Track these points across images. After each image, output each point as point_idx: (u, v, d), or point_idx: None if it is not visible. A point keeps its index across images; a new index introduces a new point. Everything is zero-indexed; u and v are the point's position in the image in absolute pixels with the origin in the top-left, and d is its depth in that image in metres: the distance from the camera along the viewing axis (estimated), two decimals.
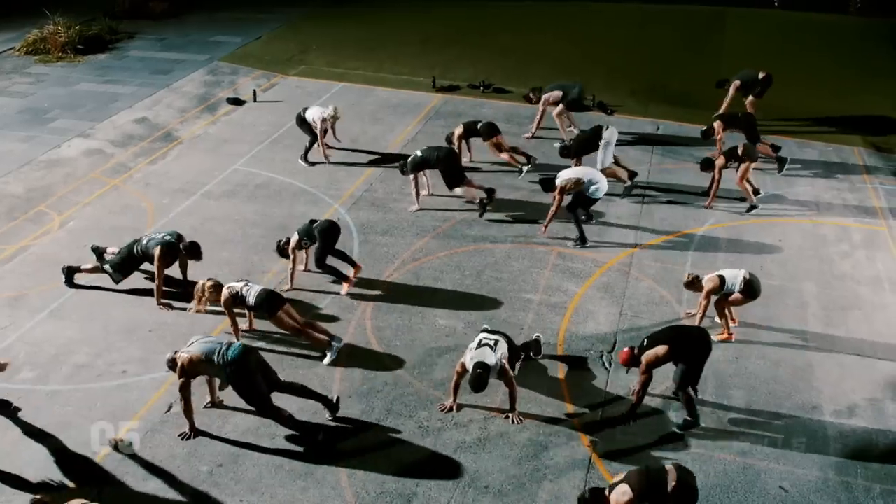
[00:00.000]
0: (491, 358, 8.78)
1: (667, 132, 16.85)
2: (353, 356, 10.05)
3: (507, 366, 8.89)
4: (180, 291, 11.06)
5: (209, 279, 10.00)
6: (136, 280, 11.31)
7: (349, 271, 11.45)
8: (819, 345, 10.29)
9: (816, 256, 12.28)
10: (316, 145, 14.86)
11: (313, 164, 14.94)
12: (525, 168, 14.68)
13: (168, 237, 10.90)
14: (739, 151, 13.26)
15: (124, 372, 9.66)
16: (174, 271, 11.12)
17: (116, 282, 11.06)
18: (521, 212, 13.53)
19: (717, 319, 10.33)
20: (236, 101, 17.85)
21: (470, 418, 9.08)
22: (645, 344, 8.86)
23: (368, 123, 16.87)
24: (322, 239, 11.17)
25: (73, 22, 21.27)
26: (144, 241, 10.94)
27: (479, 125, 14.53)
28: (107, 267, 11.04)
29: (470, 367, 8.76)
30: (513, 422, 9.00)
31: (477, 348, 8.93)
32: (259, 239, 12.51)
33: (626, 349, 8.92)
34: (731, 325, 10.36)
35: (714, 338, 9.65)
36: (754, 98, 16.29)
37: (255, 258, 12.09)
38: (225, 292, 9.80)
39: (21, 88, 18.36)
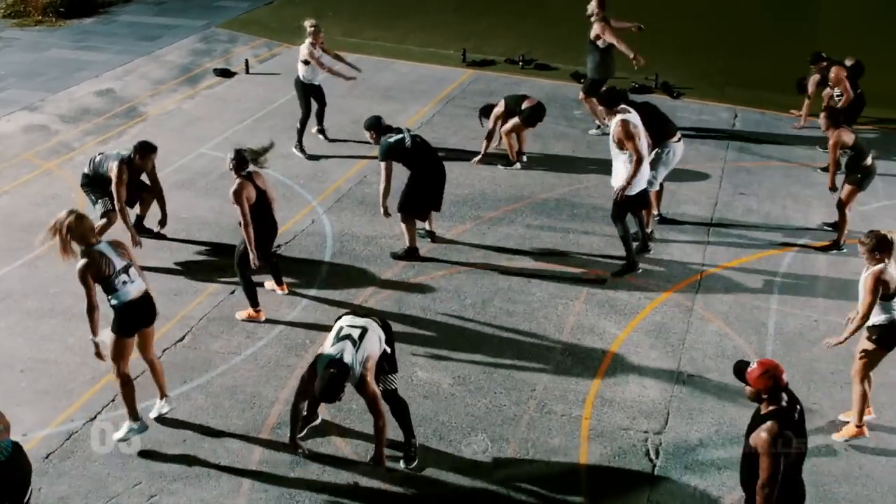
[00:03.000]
0: (349, 355, 5.95)
1: (745, 123, 13.45)
2: (281, 428, 7.03)
3: (369, 376, 5.98)
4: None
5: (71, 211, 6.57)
6: (29, 303, 8.50)
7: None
8: None
9: None
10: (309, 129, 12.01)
11: (313, 157, 11.98)
12: (516, 166, 11.76)
13: (124, 153, 9.17)
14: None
15: None
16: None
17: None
18: (551, 220, 10.35)
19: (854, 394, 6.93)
20: (225, 73, 15.00)
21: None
22: None
23: (378, 102, 13.81)
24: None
25: None
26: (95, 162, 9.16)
27: (523, 106, 11.43)
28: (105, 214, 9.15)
29: (319, 367, 5.96)
30: (374, 465, 6.33)
31: (336, 341, 6.09)
32: (201, 249, 9.60)
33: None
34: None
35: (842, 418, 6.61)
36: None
37: (191, 271, 9.17)
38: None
39: None
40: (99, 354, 6.64)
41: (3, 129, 12.50)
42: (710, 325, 8.38)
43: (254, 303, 8.30)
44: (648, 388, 7.51)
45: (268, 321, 8.33)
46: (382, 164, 9.09)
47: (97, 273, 6.39)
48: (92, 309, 6.45)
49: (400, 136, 9.12)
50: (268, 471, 6.54)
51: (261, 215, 8.07)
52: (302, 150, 11.91)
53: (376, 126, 9.25)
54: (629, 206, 9.24)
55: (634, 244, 9.39)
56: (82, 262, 6.40)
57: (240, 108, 13.53)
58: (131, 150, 9.09)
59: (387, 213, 9.30)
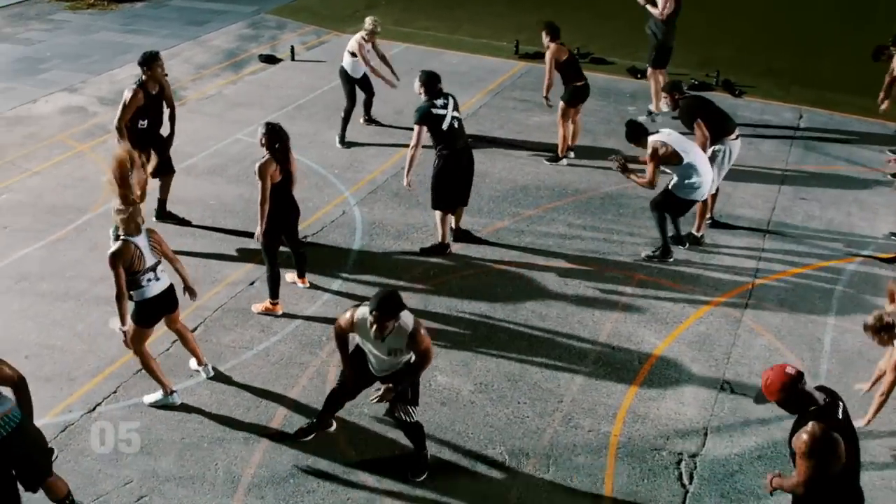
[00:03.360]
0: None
1: (811, 124, 12.62)
2: (286, 431, 6.59)
3: (422, 329, 5.62)
4: None
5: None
6: (34, 290, 8.24)
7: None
8: None
9: None
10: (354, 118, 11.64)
11: (352, 144, 11.55)
12: (562, 162, 11.14)
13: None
14: None
15: None
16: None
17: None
18: (595, 220, 9.75)
19: None
20: (270, 59, 14.68)
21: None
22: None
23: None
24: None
25: None
26: None
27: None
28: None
29: (362, 315, 5.58)
30: (383, 398, 5.82)
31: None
32: (225, 237, 9.21)
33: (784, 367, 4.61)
34: None
35: None
36: None
37: (211, 260, 8.80)
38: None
39: (32, 35, 15.69)
40: (127, 343, 6.45)
41: (42, 110, 12.33)
42: (759, 339, 7.70)
43: (273, 294, 7.88)
44: (686, 404, 6.87)
45: (284, 315, 7.90)
46: (415, 128, 8.50)
47: (127, 265, 6.17)
48: (121, 296, 6.21)
49: (443, 110, 8.51)
50: (266, 476, 6.10)
51: (281, 196, 7.65)
52: (342, 141, 11.48)
53: (428, 83, 8.57)
54: (674, 209, 8.71)
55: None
56: (115, 248, 6.16)
57: (281, 95, 13.17)
58: (141, 75, 8.73)
59: (409, 185, 8.76)
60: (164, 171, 9.25)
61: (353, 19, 17.22)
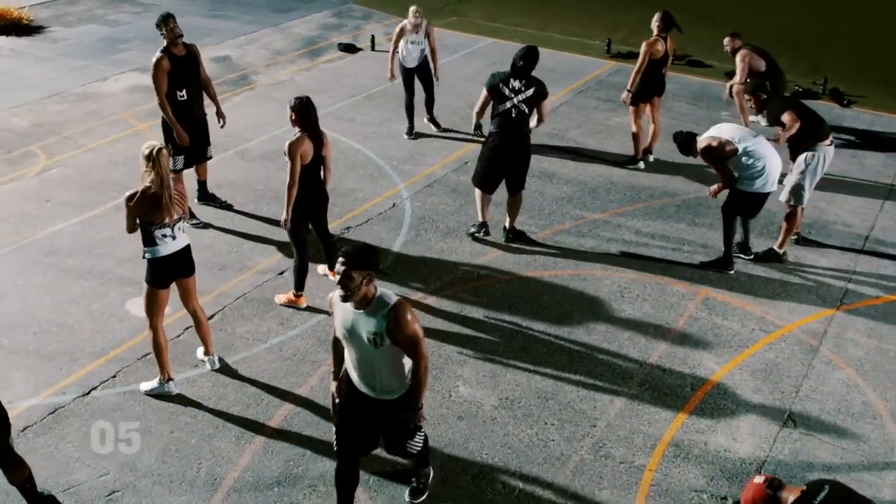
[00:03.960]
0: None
1: None
2: (282, 433, 5.99)
3: (409, 313, 4.50)
4: None
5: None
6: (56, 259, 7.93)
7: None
8: None
9: None
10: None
11: (441, 127, 11.13)
12: (639, 165, 10.28)
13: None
14: None
15: None
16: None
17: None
18: (666, 228, 8.86)
19: None
20: (349, 48, 14.24)
21: None
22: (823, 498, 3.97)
23: None
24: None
25: None
26: None
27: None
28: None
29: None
30: (408, 419, 4.89)
31: None
32: (265, 224, 8.72)
33: (758, 481, 4.06)
34: None
35: None
36: None
37: (245, 246, 8.33)
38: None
39: (120, 17, 15.72)
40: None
41: (110, 88, 12.20)
42: (837, 373, 6.67)
43: (299, 286, 7.33)
44: (740, 441, 5.95)
45: (308, 309, 7.34)
46: (484, 90, 8.14)
47: (142, 213, 5.78)
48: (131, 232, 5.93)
49: (510, 93, 7.96)
50: (251, 480, 5.51)
51: (311, 179, 7.08)
52: (409, 132, 10.89)
53: (526, 58, 8.02)
54: (744, 207, 7.78)
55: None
56: (132, 192, 5.78)
57: (353, 84, 12.69)
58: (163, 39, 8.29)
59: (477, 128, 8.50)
60: (199, 159, 8.83)
61: (444, 12, 16.75)
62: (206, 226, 8.60)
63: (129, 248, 7.70)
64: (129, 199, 5.78)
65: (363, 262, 4.36)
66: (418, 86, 10.82)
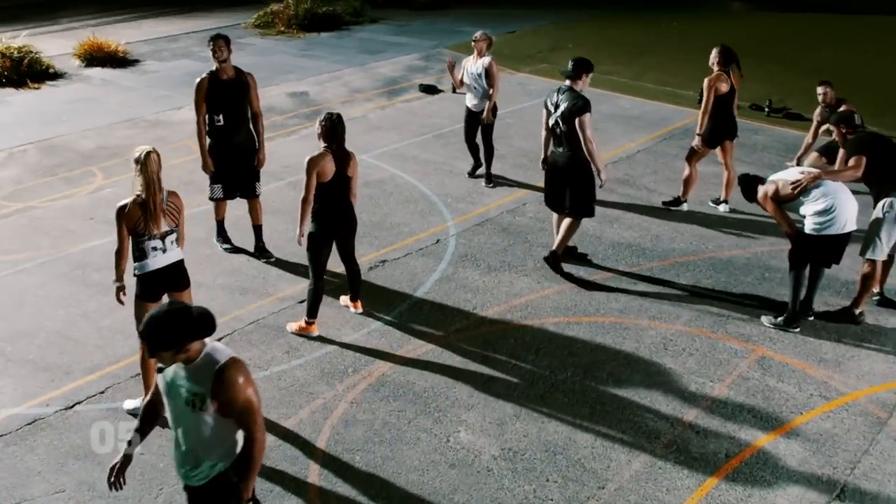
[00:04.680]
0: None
1: None
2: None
3: (242, 376, 3.68)
4: None
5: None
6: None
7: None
8: None
9: None
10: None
11: (493, 184, 10.25)
12: (682, 207, 9.67)
13: None
14: None
15: None
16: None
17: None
18: (730, 281, 8.04)
19: None
20: (429, 90, 14.03)
21: None
22: None
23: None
24: None
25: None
26: None
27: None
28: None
29: None
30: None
31: None
32: (299, 251, 8.35)
33: None
34: None
35: None
36: None
37: (273, 273, 8.00)
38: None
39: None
40: (119, 299, 5.72)
41: (182, 116, 12.33)
42: None
43: (311, 312, 6.91)
44: None
45: (319, 338, 6.90)
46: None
47: (132, 226, 5.53)
48: (120, 251, 5.60)
49: (551, 107, 7.77)
50: None
51: (332, 200, 6.70)
52: (473, 171, 10.38)
53: (571, 68, 7.79)
54: (811, 253, 6.91)
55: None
56: (124, 203, 5.56)
57: (425, 124, 12.40)
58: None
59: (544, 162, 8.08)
60: (244, 193, 8.27)
61: (534, 60, 16.43)
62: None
63: None
64: (121, 210, 5.51)
65: (164, 342, 3.53)
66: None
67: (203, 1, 21.64)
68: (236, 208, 8.62)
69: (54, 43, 16.35)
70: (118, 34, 16.60)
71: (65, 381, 6.29)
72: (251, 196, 8.26)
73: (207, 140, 8.08)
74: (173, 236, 5.66)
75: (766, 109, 13.38)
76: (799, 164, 9.93)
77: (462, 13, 20.97)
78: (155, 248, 5.60)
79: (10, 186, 10.01)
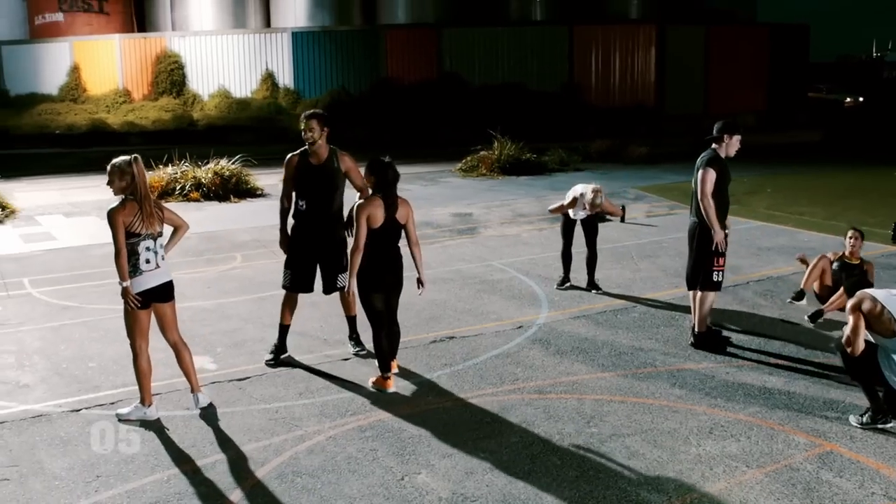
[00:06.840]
0: None
1: None
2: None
3: None
4: None
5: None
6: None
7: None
8: None
9: None
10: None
11: (601, 290, 9.60)
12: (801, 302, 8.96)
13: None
14: None
15: None
16: None
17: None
18: (812, 376, 6.86)
19: None
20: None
21: None
22: None
23: (743, 256, 11.18)
24: None
25: (515, 146, 19.57)
26: None
27: None
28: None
29: None
30: None
31: None
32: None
33: None
34: None
35: None
36: None
37: (334, 321, 7.99)
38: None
39: (411, 188, 16.93)
40: (130, 300, 5.88)
41: None
42: None
43: (382, 366, 6.65)
44: None
45: (334, 383, 6.73)
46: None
47: (127, 224, 5.77)
48: (119, 252, 5.78)
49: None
50: None
51: (382, 247, 6.48)
52: (562, 282, 9.68)
53: (729, 127, 7.45)
54: (865, 369, 5.78)
55: None
56: (114, 205, 5.83)
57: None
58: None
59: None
60: (327, 289, 7.36)
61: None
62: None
63: (230, 324, 7.81)
64: (114, 210, 5.73)
65: None
66: (579, 234, 9.70)
67: (431, 155, 23.07)
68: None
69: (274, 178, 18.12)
70: None
71: (89, 391, 6.60)
72: (332, 290, 7.36)
73: (291, 221, 7.35)
74: (162, 240, 5.88)
75: None
76: None
77: (666, 167, 20.61)
78: (148, 249, 5.80)
79: None
